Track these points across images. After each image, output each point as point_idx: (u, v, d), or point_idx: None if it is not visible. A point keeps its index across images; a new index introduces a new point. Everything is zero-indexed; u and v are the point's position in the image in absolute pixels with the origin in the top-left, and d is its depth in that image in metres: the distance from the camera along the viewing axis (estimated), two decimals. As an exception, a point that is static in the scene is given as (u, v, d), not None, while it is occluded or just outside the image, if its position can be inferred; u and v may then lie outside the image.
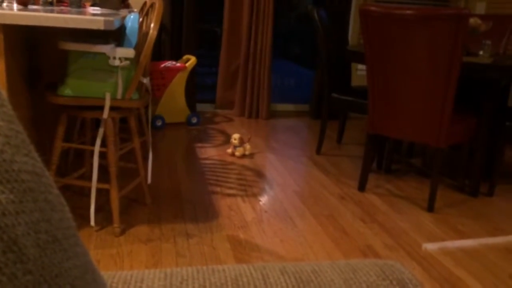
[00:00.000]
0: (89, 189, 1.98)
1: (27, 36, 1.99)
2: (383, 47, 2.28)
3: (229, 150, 3.06)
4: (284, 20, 7.92)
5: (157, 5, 1.80)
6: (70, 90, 1.76)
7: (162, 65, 3.53)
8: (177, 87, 3.62)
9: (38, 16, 1.53)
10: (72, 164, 2.43)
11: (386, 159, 2.97)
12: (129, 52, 1.78)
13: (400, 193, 2.62)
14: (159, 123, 3.56)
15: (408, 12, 2.13)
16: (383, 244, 2.01)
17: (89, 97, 1.78)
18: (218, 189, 2.48)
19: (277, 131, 3.79)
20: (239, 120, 4.05)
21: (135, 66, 1.83)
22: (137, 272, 0.66)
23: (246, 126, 3.86)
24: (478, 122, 2.50)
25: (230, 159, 2.99)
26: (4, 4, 2.07)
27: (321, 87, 4.19)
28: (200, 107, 4.26)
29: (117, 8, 2.36)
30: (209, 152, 3.09)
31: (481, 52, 2.53)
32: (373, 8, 2.22)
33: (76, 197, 2.23)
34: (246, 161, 2.96)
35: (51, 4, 2.42)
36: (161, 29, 3.77)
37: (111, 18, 1.60)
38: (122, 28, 1.95)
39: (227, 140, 3.39)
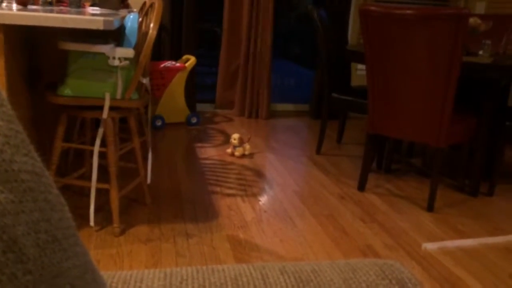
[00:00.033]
0: (89, 189, 1.98)
1: (27, 36, 1.99)
2: (383, 47, 2.28)
3: (229, 150, 3.06)
4: (284, 20, 7.92)
5: (156, 5, 1.80)
6: (70, 90, 1.76)
7: (162, 65, 3.53)
8: (177, 87, 3.62)
9: (37, 16, 1.53)
10: (72, 164, 2.43)
11: (386, 159, 2.98)
12: (129, 52, 1.78)
13: (400, 193, 2.62)
14: (159, 123, 3.56)
15: (408, 12, 2.13)
16: (383, 244, 2.01)
17: (89, 97, 1.78)
18: (218, 189, 2.48)
19: (277, 131, 3.79)
20: (239, 120, 4.05)
21: (135, 66, 1.83)
22: (136, 272, 0.66)
23: (246, 126, 3.86)
24: (478, 122, 2.50)
25: (229, 159, 2.99)
26: (4, 4, 2.07)
27: (321, 87, 4.19)
28: (200, 107, 4.26)
29: (117, 8, 2.36)
30: (209, 152, 3.09)
31: (481, 52, 2.53)
32: (373, 8, 2.22)
33: (76, 197, 2.23)
34: (245, 161, 2.96)
35: (50, 4, 2.42)
36: (161, 29, 3.76)
37: (110, 18, 1.60)
38: (121, 28, 1.95)
39: (227, 140, 3.39)
